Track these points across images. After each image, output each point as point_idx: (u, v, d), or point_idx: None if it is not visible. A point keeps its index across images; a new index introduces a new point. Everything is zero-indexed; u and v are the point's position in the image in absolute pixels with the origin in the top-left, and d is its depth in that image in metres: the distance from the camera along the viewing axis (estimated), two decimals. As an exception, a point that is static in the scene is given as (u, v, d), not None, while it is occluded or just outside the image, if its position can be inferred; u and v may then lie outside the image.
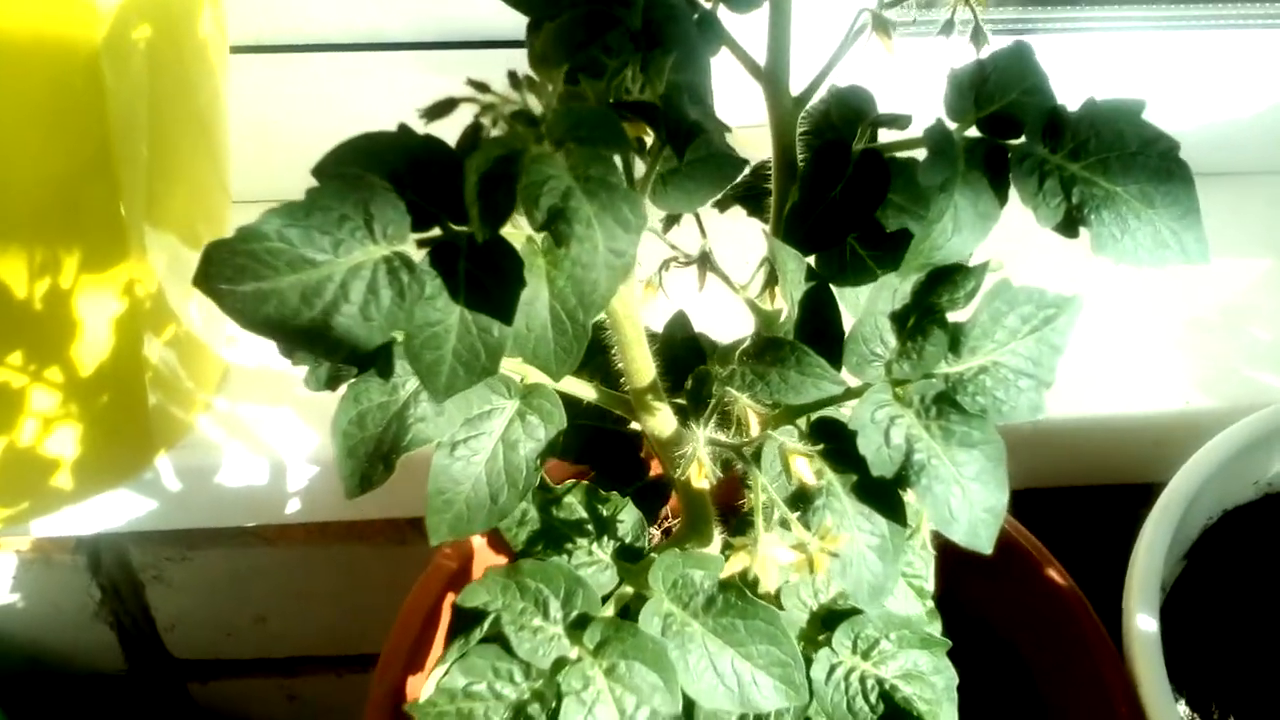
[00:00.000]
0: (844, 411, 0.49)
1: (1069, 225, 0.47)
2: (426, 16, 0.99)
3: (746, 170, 0.60)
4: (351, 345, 0.39)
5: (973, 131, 0.49)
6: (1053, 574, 0.79)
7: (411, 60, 0.99)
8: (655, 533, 0.73)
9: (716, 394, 0.47)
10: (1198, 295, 1.00)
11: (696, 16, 0.52)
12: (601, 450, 0.57)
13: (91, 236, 0.77)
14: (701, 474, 0.45)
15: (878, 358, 0.48)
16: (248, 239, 0.37)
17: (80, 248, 0.76)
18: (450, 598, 0.75)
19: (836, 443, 0.48)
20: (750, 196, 0.58)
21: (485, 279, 0.38)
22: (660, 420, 0.50)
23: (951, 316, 0.48)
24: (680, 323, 0.57)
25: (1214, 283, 1.01)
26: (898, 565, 0.48)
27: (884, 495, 0.48)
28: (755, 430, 0.46)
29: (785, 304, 0.49)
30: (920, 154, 0.49)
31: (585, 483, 0.51)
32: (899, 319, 0.48)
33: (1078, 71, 1.01)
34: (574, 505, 0.51)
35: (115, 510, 0.91)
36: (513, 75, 0.37)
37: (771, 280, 0.55)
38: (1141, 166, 0.48)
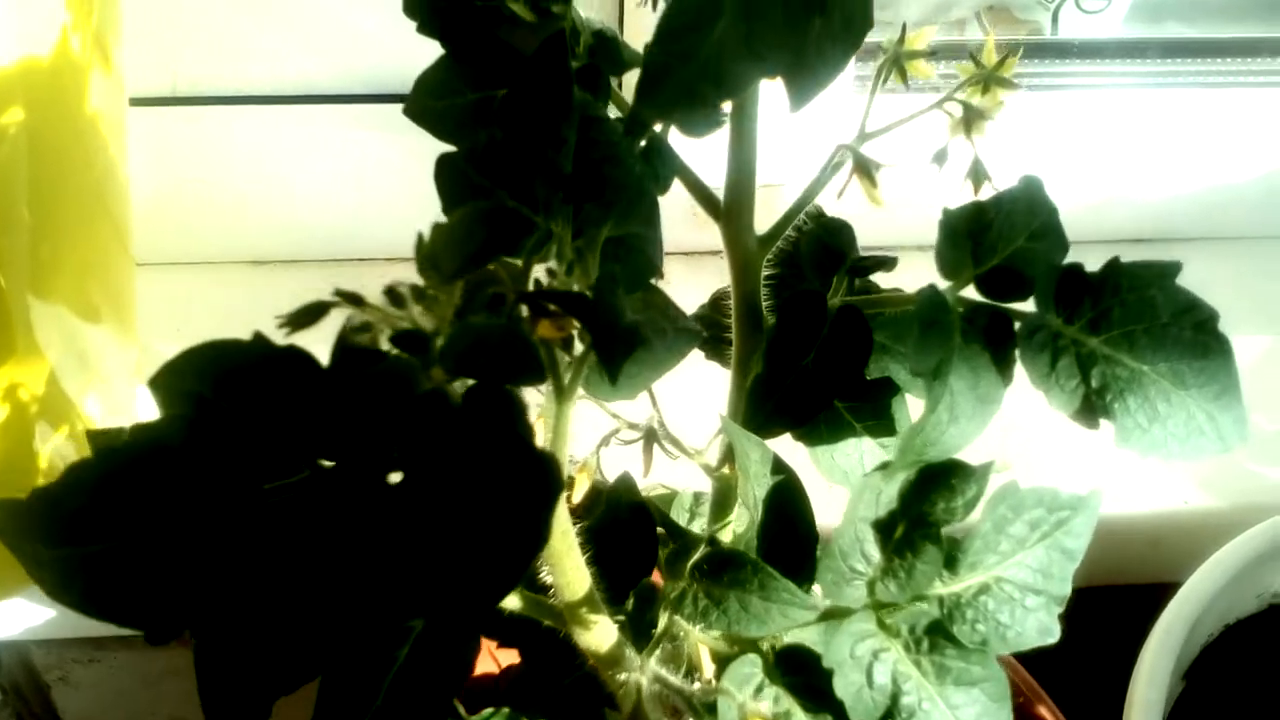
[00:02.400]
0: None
1: (1088, 414, 0.39)
2: (355, 68, 0.90)
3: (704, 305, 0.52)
4: (190, 618, 0.30)
5: (970, 291, 0.41)
6: (1044, 713, 0.71)
7: (336, 114, 0.91)
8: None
9: (665, 625, 0.38)
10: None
11: (644, 144, 0.44)
12: (531, 635, 0.48)
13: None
14: (643, 738, 0.37)
15: (859, 575, 0.39)
16: (56, 500, 0.29)
17: (-42, 339, 0.68)
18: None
19: (807, 676, 0.39)
20: (706, 340, 0.50)
21: (360, 532, 0.30)
22: (597, 635, 0.41)
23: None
24: (626, 489, 0.48)
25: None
26: (883, 819, 0.40)
27: (865, 738, 0.40)
28: (708, 667, 0.38)
29: (746, 505, 0.41)
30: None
31: (506, 710, 0.43)
32: (884, 528, 0.39)
33: (1065, 130, 0.94)
34: (494, 734, 0.43)
35: (11, 620, 0.82)
36: (391, 292, 0.28)
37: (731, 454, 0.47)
38: (1174, 340, 0.40)
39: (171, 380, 0.31)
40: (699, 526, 0.56)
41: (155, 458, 0.29)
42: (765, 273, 0.45)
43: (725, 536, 0.51)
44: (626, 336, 0.31)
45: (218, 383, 0.31)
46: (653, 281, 0.39)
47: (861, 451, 0.50)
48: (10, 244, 0.68)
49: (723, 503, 0.50)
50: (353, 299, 0.29)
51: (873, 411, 0.49)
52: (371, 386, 0.28)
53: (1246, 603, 0.81)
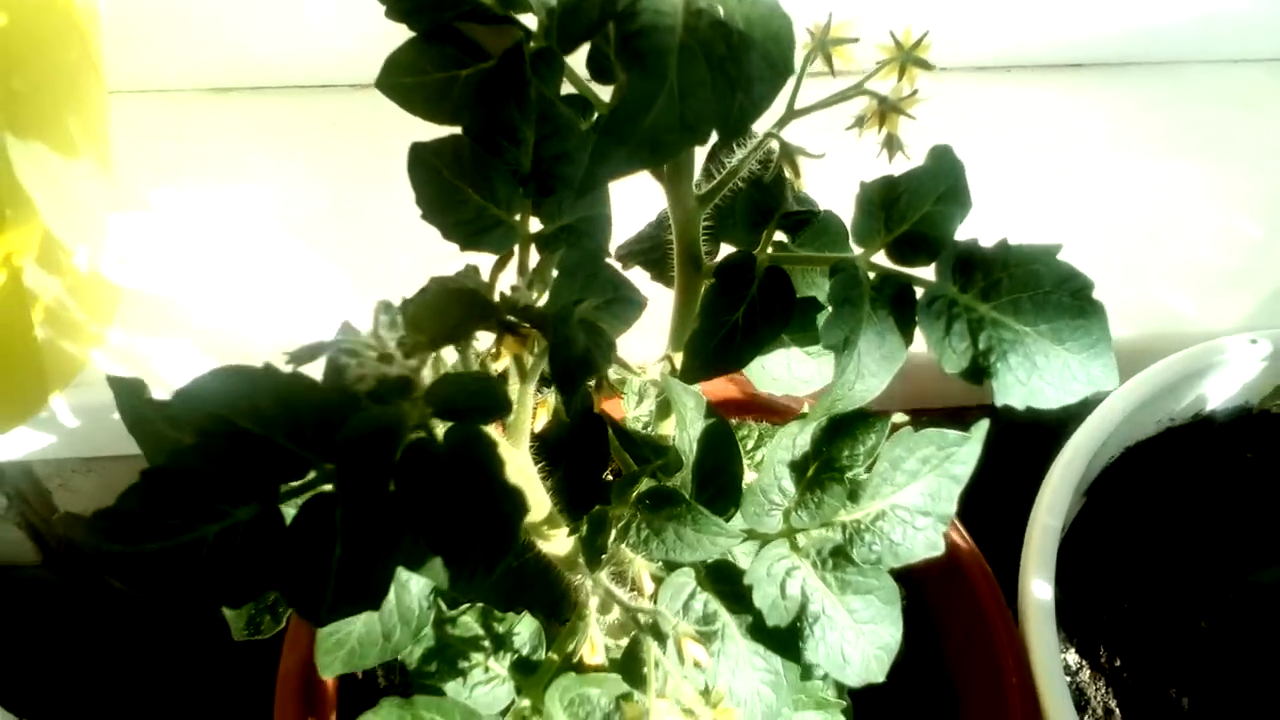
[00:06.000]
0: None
1: (975, 373, 0.45)
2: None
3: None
4: (231, 601, 0.37)
5: (881, 257, 0.47)
6: (953, 535, 0.80)
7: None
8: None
9: (611, 551, 0.46)
10: (1111, 211, 0.99)
11: (595, 117, 0.48)
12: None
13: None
14: (594, 652, 0.45)
15: (776, 506, 0.47)
16: (111, 515, 0.35)
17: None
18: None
19: (732, 585, 0.47)
20: (653, 260, 0.55)
21: (361, 533, 0.37)
22: (556, 544, 0.49)
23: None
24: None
25: (1128, 191, 0.99)
26: (790, 694, 0.48)
27: (779, 633, 0.48)
28: (648, 586, 0.46)
29: (682, 447, 0.47)
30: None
31: (481, 604, 0.50)
32: (798, 468, 0.46)
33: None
34: (469, 624, 0.51)
35: (13, 443, 0.89)
36: (385, 357, 0.34)
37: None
38: (1055, 305, 0.46)
39: (192, 402, 0.37)
40: (647, 408, 0.63)
41: (190, 474, 0.36)
42: (705, 223, 0.50)
43: (665, 429, 0.58)
44: (580, 367, 0.37)
45: (234, 406, 0.37)
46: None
47: (789, 359, 0.56)
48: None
49: (664, 407, 0.56)
50: (346, 350, 0.35)
51: (800, 325, 0.55)
52: (368, 435, 0.34)
53: (1146, 428, 0.90)
